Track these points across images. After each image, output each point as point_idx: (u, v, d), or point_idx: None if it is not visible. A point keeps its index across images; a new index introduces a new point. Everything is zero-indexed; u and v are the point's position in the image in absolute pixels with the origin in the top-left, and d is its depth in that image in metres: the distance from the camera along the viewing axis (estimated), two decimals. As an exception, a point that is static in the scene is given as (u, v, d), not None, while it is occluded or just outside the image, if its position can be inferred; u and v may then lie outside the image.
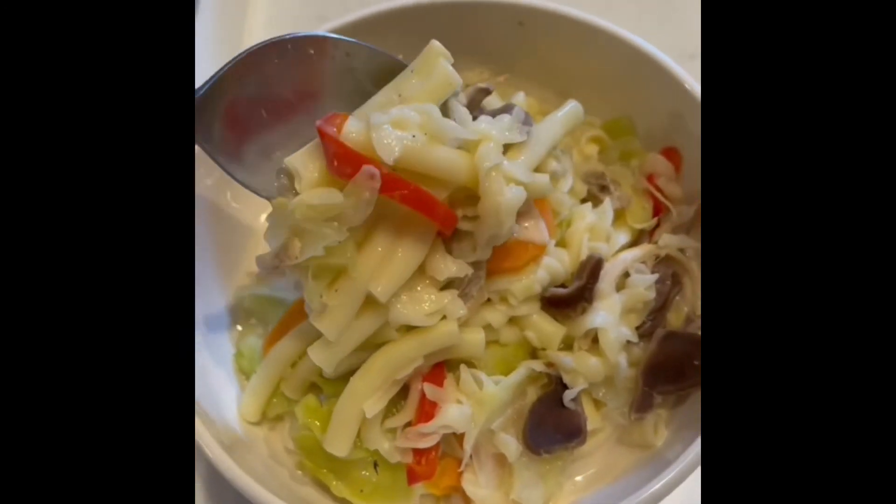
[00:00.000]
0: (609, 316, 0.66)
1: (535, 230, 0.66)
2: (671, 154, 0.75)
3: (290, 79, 0.65)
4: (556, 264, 0.67)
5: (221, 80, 0.63)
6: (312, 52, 0.65)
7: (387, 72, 0.64)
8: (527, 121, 0.65)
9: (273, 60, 0.64)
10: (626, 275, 0.69)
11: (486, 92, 0.76)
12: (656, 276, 0.69)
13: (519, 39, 0.78)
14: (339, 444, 0.64)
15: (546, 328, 0.67)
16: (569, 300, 0.66)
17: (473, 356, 0.66)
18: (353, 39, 0.67)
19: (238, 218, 0.80)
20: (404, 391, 0.66)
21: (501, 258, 0.65)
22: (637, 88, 0.76)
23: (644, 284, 0.68)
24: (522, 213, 0.65)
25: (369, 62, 0.66)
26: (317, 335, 0.62)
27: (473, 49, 0.79)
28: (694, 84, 0.71)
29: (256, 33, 1.02)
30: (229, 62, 0.63)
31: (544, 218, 0.67)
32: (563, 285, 0.68)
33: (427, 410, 0.64)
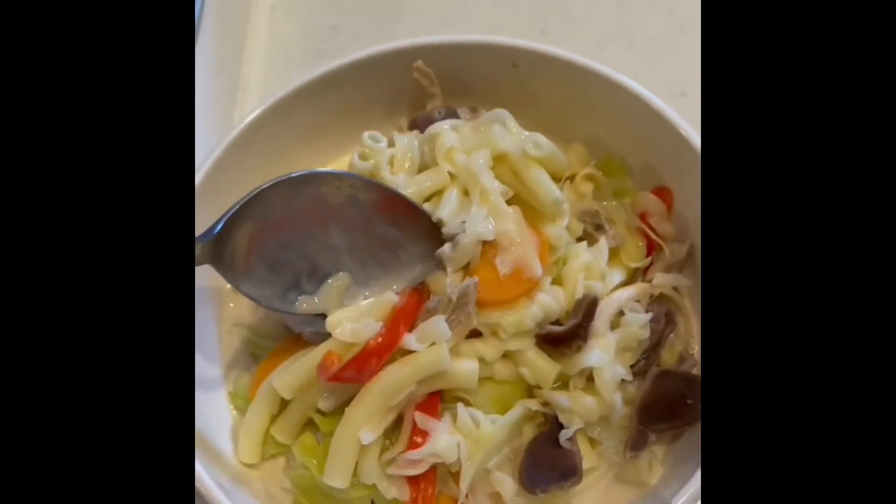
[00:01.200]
0: (604, 355, 0.66)
1: (528, 264, 0.67)
2: (663, 193, 0.76)
3: (297, 209, 0.68)
4: (550, 301, 0.67)
5: (234, 215, 0.66)
6: (319, 186, 0.69)
7: (386, 203, 0.69)
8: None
9: (281, 195, 0.68)
10: (621, 313, 0.69)
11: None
12: (650, 314, 0.69)
13: (513, 80, 0.79)
14: (337, 476, 0.64)
15: (540, 365, 0.67)
16: (564, 338, 0.66)
17: (467, 387, 0.66)
18: (356, 175, 0.71)
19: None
20: (400, 423, 0.66)
21: (493, 291, 0.66)
22: (628, 128, 0.76)
23: (638, 323, 0.68)
24: (515, 247, 0.67)
25: (369, 192, 0.70)
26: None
27: (467, 89, 0.80)
28: (683, 124, 0.72)
29: (255, 74, 1.03)
30: (241, 200, 0.66)
31: (539, 252, 0.68)
32: (558, 323, 0.68)
33: (417, 439, 0.65)
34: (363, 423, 0.64)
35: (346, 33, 1.04)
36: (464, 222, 0.68)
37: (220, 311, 0.77)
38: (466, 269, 0.68)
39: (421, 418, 0.65)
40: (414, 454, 0.64)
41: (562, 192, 0.72)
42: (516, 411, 0.67)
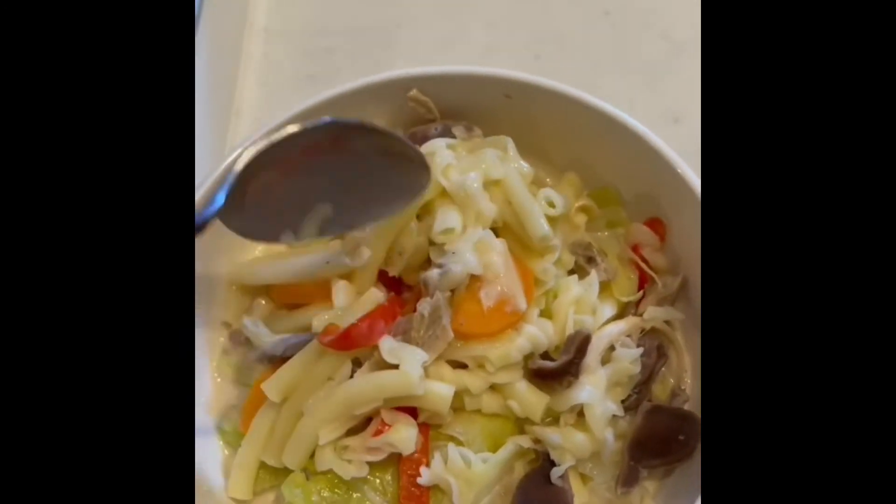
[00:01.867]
0: (595, 391, 0.66)
1: (513, 297, 0.66)
2: (656, 225, 0.75)
3: (293, 156, 0.64)
4: (539, 334, 0.67)
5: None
6: (317, 135, 0.65)
7: (378, 141, 0.66)
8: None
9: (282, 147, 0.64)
10: (612, 348, 0.69)
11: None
12: (641, 349, 0.68)
13: (506, 110, 0.78)
14: (294, 459, 0.67)
15: (529, 397, 0.66)
16: (555, 374, 0.65)
17: (438, 411, 0.66)
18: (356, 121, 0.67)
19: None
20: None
21: (476, 323, 0.66)
22: (622, 159, 0.76)
23: (630, 358, 0.68)
24: (500, 280, 0.67)
25: (363, 134, 0.67)
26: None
27: (462, 116, 0.80)
28: (677, 158, 0.71)
29: (248, 96, 1.03)
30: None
31: (525, 285, 0.68)
32: (549, 357, 0.68)
33: (380, 429, 0.66)
34: (324, 424, 0.65)
35: (340, 55, 1.04)
36: (453, 252, 0.67)
37: (210, 345, 0.77)
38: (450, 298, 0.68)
39: (388, 414, 0.66)
40: (373, 441, 0.65)
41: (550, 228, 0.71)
42: (507, 449, 0.66)
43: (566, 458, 0.65)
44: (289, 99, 1.02)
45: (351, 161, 0.66)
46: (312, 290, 0.74)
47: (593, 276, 0.71)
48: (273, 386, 0.68)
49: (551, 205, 0.72)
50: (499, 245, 0.69)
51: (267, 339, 0.72)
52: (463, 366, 0.68)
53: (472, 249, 0.67)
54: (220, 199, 0.60)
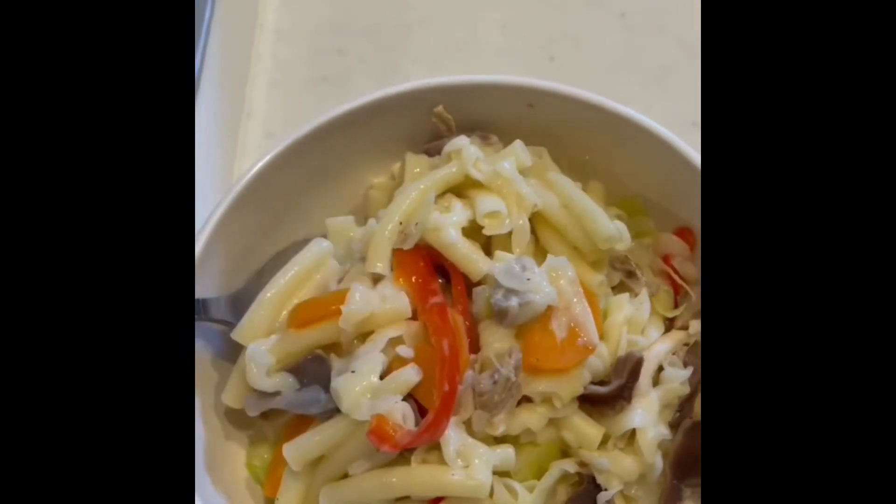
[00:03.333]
0: (647, 415, 0.64)
1: (585, 328, 0.63)
2: (684, 234, 0.74)
3: None
4: (597, 362, 0.64)
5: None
6: None
7: None
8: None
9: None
10: (660, 367, 0.67)
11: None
12: (691, 369, 0.67)
13: (528, 119, 0.76)
14: None
15: (585, 430, 0.64)
16: (608, 399, 0.63)
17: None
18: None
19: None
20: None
21: (551, 359, 0.63)
22: (646, 167, 0.74)
23: (679, 379, 0.66)
24: (571, 308, 0.64)
25: None
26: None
27: (484, 128, 0.77)
28: (697, 158, 0.70)
29: (259, 98, 1.01)
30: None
31: (593, 313, 0.65)
32: (600, 381, 0.65)
33: None
34: (372, 500, 0.62)
35: (351, 57, 1.02)
36: (528, 279, 0.62)
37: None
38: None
39: None
40: None
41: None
42: (552, 475, 0.64)
43: (614, 483, 0.64)
44: (300, 100, 1.01)
45: None
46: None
47: (644, 296, 0.69)
48: (295, 454, 0.63)
49: (616, 238, 0.69)
50: (570, 271, 0.65)
51: (267, 382, 0.64)
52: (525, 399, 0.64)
53: (547, 277, 0.64)
54: None
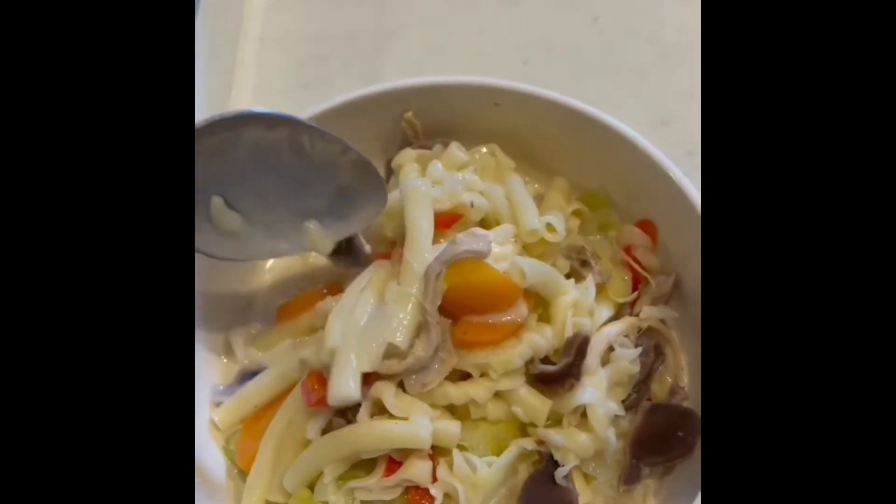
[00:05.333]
0: (596, 392, 0.66)
1: (514, 309, 0.67)
2: (647, 226, 0.76)
3: (235, 155, 0.67)
4: (539, 339, 0.66)
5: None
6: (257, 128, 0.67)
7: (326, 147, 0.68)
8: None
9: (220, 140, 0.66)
10: (611, 349, 0.69)
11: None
12: (640, 349, 0.68)
13: (495, 117, 0.78)
14: (294, 483, 0.66)
15: (533, 403, 0.66)
16: (557, 377, 0.65)
17: (446, 445, 0.65)
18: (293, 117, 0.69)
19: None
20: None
21: (479, 333, 0.66)
22: (610, 162, 0.76)
23: (629, 358, 0.68)
24: None
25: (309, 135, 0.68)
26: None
27: (451, 128, 0.80)
28: (664, 158, 0.72)
29: (243, 104, 1.03)
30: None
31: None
32: (549, 361, 0.68)
33: (392, 467, 0.65)
34: (328, 462, 0.65)
35: (333, 63, 1.04)
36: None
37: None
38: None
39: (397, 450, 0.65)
40: (388, 481, 0.64)
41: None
42: (511, 451, 0.66)
43: (570, 459, 0.65)
44: (283, 108, 1.01)
45: (302, 167, 0.68)
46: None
47: (589, 280, 0.71)
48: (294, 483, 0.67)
49: (550, 229, 0.72)
50: (498, 248, 0.69)
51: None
52: (465, 375, 0.67)
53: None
54: None
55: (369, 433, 0.64)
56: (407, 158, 0.78)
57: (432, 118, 0.79)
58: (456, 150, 0.78)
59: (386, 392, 0.64)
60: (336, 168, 0.68)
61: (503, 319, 0.66)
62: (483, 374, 0.66)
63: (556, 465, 0.66)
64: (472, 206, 0.72)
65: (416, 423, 0.63)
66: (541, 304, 0.70)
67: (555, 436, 0.65)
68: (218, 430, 0.72)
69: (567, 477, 0.66)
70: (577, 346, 0.66)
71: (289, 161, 0.67)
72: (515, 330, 0.66)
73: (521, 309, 0.66)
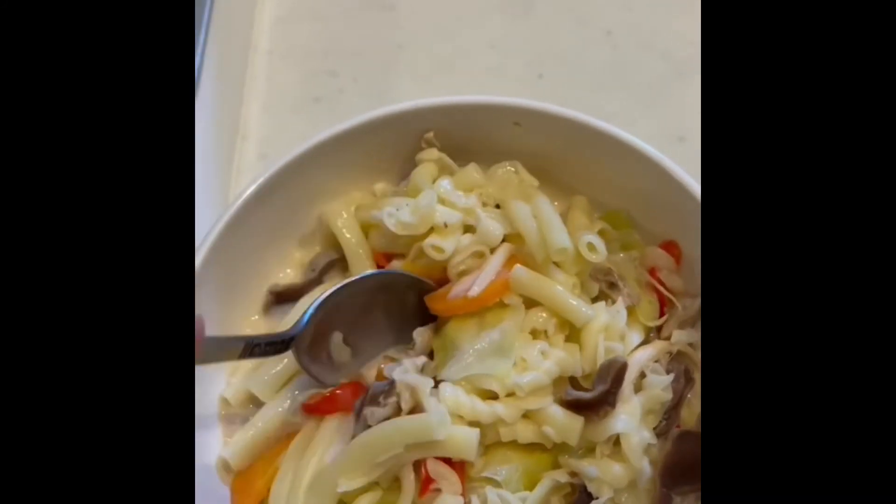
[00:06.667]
0: (631, 420, 0.64)
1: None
2: (670, 247, 0.74)
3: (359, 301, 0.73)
4: (567, 358, 0.65)
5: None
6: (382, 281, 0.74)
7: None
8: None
9: (350, 292, 0.72)
10: (642, 375, 0.67)
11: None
12: (672, 375, 0.67)
13: (514, 137, 0.76)
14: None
15: (564, 422, 0.64)
16: (592, 404, 0.64)
17: (464, 457, 0.64)
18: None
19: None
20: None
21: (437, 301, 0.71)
22: (632, 182, 0.74)
23: (661, 385, 0.66)
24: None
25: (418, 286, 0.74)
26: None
27: (471, 147, 0.78)
28: (686, 176, 0.70)
29: (253, 120, 1.02)
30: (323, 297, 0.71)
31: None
32: (578, 386, 0.66)
33: (424, 486, 0.64)
34: (342, 473, 0.63)
35: (344, 78, 1.02)
36: None
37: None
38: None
39: (432, 466, 0.64)
40: None
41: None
42: (545, 485, 0.64)
43: (604, 491, 0.64)
44: (293, 122, 1.01)
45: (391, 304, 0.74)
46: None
47: (620, 304, 0.70)
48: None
49: (592, 249, 0.71)
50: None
51: None
52: (493, 397, 0.66)
53: None
54: (305, 319, 0.69)
55: (379, 430, 0.64)
56: (429, 156, 0.77)
57: (452, 138, 0.78)
58: (472, 171, 0.77)
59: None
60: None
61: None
62: (510, 395, 0.65)
63: (589, 496, 0.64)
64: (445, 226, 0.72)
65: (429, 413, 0.63)
66: (567, 325, 0.69)
67: (588, 467, 0.64)
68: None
69: (600, 508, 0.64)
70: (615, 373, 0.64)
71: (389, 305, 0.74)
72: (469, 306, 0.69)
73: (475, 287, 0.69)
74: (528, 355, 0.66)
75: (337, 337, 0.71)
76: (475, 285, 0.68)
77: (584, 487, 0.65)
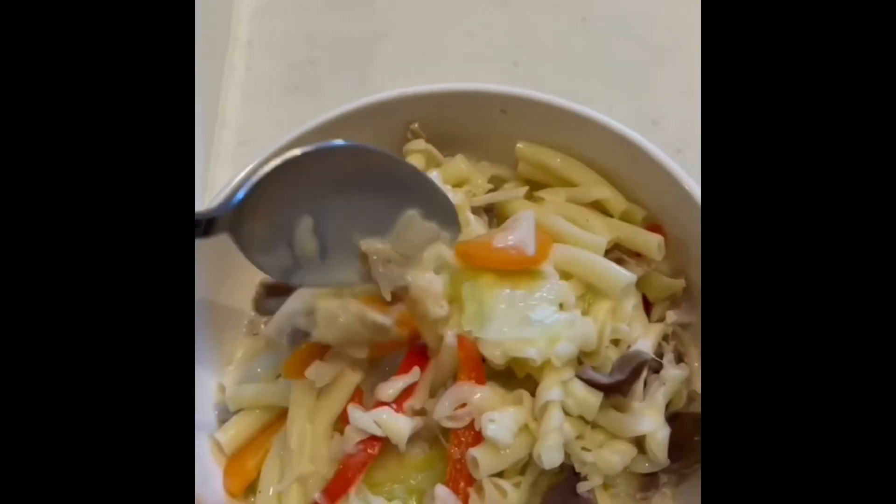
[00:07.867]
0: (657, 418, 0.65)
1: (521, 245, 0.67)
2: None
3: (309, 182, 0.61)
4: (588, 329, 0.64)
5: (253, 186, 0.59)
6: (334, 158, 0.62)
7: (397, 173, 0.65)
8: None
9: (295, 168, 0.61)
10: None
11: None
12: (688, 370, 0.68)
13: (499, 125, 0.77)
14: None
15: (585, 395, 0.63)
16: (605, 389, 0.63)
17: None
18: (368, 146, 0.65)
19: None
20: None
21: (482, 254, 0.67)
22: (615, 167, 0.75)
23: (680, 378, 0.67)
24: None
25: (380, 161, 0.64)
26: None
27: (458, 137, 0.78)
28: (668, 160, 0.71)
29: (232, 107, 1.01)
30: (258, 170, 0.60)
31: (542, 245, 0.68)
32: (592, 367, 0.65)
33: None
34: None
35: (323, 67, 1.02)
36: None
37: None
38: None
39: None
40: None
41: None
42: (535, 468, 0.64)
43: (595, 477, 0.64)
44: (273, 110, 1.01)
45: (367, 195, 0.63)
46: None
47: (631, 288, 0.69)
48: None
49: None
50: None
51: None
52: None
53: None
54: (240, 195, 0.57)
55: None
56: (416, 147, 0.77)
57: (437, 127, 0.78)
58: (459, 163, 0.77)
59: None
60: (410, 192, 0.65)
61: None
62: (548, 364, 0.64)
63: (576, 476, 0.65)
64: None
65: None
66: (586, 300, 0.68)
67: (585, 455, 0.64)
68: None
69: (590, 491, 0.65)
70: (634, 367, 0.64)
71: (366, 188, 0.64)
72: (521, 264, 0.67)
73: (528, 248, 0.67)
74: (559, 325, 0.64)
75: (306, 222, 0.62)
76: (527, 247, 0.66)
77: (572, 467, 0.65)
